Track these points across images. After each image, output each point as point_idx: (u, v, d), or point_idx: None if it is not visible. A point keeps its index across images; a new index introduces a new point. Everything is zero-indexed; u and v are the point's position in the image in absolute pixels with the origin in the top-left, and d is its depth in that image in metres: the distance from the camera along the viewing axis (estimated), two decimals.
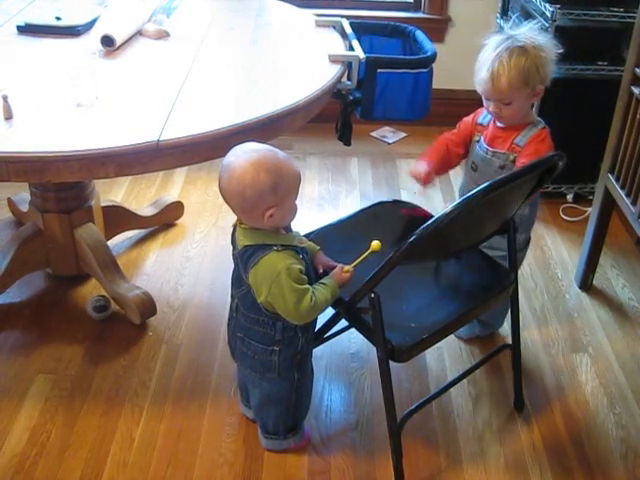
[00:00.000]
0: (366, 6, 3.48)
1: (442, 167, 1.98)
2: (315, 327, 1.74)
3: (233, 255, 1.63)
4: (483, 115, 1.96)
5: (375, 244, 1.58)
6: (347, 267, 1.62)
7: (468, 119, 2.01)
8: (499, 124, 1.91)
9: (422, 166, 1.92)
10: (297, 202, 1.57)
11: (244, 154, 1.49)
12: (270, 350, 1.66)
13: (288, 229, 1.62)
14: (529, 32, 1.83)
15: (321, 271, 1.70)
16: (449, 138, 2.00)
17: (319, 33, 2.33)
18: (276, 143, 1.57)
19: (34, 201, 2.30)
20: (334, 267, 1.66)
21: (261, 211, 1.49)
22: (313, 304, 1.53)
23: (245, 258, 1.54)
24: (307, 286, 1.54)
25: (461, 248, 1.71)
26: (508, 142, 1.88)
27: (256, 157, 1.48)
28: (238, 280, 1.63)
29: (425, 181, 1.91)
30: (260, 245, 1.53)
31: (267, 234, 1.54)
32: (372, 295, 1.55)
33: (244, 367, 1.77)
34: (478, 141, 1.95)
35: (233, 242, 1.62)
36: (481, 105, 1.93)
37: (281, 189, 1.48)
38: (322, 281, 1.60)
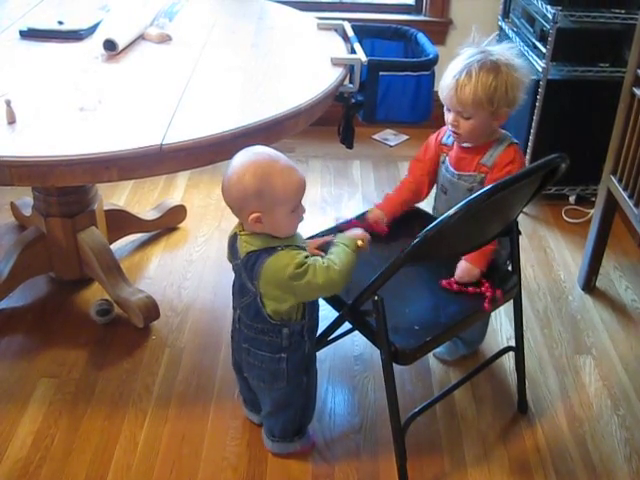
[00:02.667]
0: (368, 9, 3.48)
1: (405, 207, 1.95)
2: (317, 328, 1.73)
3: (235, 265, 1.62)
4: (447, 134, 1.89)
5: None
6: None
7: (431, 140, 1.93)
8: (463, 144, 1.83)
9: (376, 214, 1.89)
10: (297, 215, 1.55)
11: (244, 154, 1.50)
12: (278, 358, 1.65)
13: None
14: (507, 51, 1.75)
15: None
16: (417, 167, 1.95)
17: (321, 36, 2.34)
18: (278, 146, 1.57)
19: (37, 205, 2.30)
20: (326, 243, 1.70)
21: (247, 213, 1.49)
22: (327, 265, 1.51)
23: (250, 265, 1.53)
24: (313, 259, 1.52)
25: (465, 250, 1.71)
26: (474, 163, 1.81)
27: (250, 160, 1.48)
28: (240, 290, 1.62)
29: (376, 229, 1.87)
30: (264, 249, 1.52)
31: (269, 238, 1.53)
32: (375, 298, 1.55)
33: (252, 378, 1.75)
34: (443, 162, 1.89)
35: (234, 252, 1.60)
36: None
37: (266, 197, 1.46)
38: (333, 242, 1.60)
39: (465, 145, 1.84)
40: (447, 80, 1.75)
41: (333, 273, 1.51)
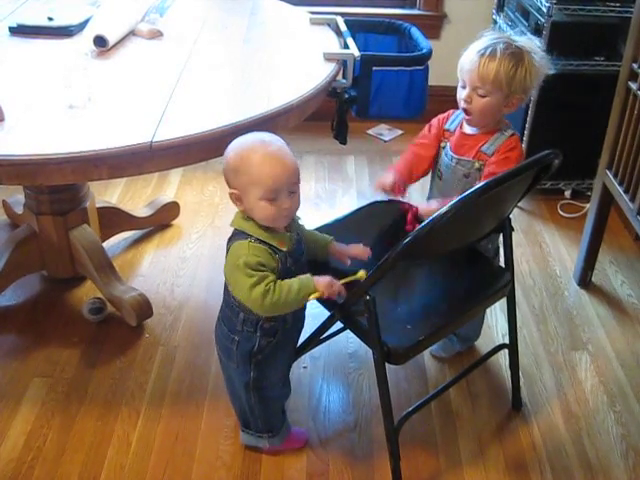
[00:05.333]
0: (361, 3, 3.46)
1: (411, 175, 1.90)
2: (291, 339, 1.72)
3: None
4: (451, 120, 1.89)
5: (361, 274, 1.58)
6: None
7: (435, 121, 1.93)
8: (466, 130, 1.84)
9: (387, 177, 1.86)
10: (275, 206, 1.50)
11: (246, 135, 1.53)
12: (231, 338, 1.66)
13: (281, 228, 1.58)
14: (530, 42, 1.78)
15: (349, 262, 1.68)
16: (420, 143, 1.93)
17: (314, 31, 2.32)
18: (280, 136, 1.56)
19: (28, 203, 2.29)
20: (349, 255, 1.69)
21: (229, 188, 1.52)
22: (269, 289, 1.49)
23: (229, 239, 1.57)
24: (266, 274, 1.50)
25: (458, 247, 1.69)
26: (475, 149, 1.81)
27: (244, 139, 1.52)
28: None
29: (395, 191, 1.85)
30: (241, 231, 1.54)
31: (252, 224, 1.53)
32: (367, 297, 1.53)
33: (216, 344, 1.76)
34: (444, 147, 1.88)
35: None
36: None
37: (241, 177, 1.48)
38: (299, 277, 1.56)
39: (468, 132, 1.84)
40: (470, 56, 1.76)
41: (267, 301, 1.50)
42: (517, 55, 1.73)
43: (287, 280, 1.53)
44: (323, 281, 1.55)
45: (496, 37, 1.77)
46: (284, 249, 1.55)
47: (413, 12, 3.43)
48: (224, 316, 1.68)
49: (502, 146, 1.78)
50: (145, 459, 1.84)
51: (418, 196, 2.84)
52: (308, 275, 1.56)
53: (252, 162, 1.47)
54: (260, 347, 1.65)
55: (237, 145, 1.51)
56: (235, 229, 1.57)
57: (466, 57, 1.77)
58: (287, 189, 1.49)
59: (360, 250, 1.69)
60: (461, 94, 1.80)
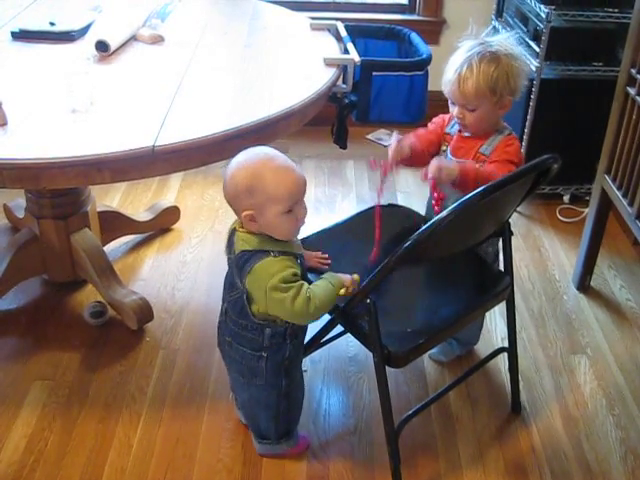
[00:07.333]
0: (361, 9, 3.48)
1: (422, 150, 1.88)
2: (304, 334, 1.72)
3: (229, 259, 1.62)
4: (451, 124, 1.90)
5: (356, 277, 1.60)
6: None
7: (439, 119, 1.94)
8: (464, 133, 1.85)
9: (405, 139, 1.85)
10: (294, 217, 1.52)
11: (243, 153, 1.50)
12: (258, 356, 1.65)
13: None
14: (505, 41, 1.78)
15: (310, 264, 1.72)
16: (424, 134, 1.92)
17: (314, 36, 2.33)
18: (272, 147, 1.56)
19: (30, 207, 2.29)
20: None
21: (240, 210, 1.50)
22: (309, 296, 1.50)
23: (241, 263, 1.53)
24: (300, 282, 1.51)
25: (457, 251, 1.70)
26: (473, 151, 1.81)
27: (247, 157, 1.49)
28: (231, 285, 1.62)
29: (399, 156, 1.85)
30: (257, 250, 1.52)
31: (266, 240, 1.52)
32: (368, 301, 1.54)
33: (232, 371, 1.76)
34: (445, 151, 1.89)
35: (230, 246, 1.61)
36: None
37: (257, 195, 1.46)
38: (321, 276, 1.59)
39: (466, 134, 1.85)
40: (449, 75, 1.77)
41: (312, 307, 1.51)
42: (493, 61, 1.73)
43: (316, 282, 1.56)
44: (343, 275, 1.58)
45: (470, 46, 1.77)
46: (301, 252, 1.59)
47: (413, 18, 3.45)
48: (242, 340, 1.65)
49: (499, 145, 1.80)
50: (146, 462, 1.85)
51: (418, 198, 2.87)
52: (329, 272, 1.60)
53: (266, 178, 1.45)
54: (290, 353, 1.66)
55: (243, 164, 1.47)
56: (246, 250, 1.53)
57: (446, 77, 1.78)
58: (301, 198, 1.51)
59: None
60: (453, 110, 1.81)
